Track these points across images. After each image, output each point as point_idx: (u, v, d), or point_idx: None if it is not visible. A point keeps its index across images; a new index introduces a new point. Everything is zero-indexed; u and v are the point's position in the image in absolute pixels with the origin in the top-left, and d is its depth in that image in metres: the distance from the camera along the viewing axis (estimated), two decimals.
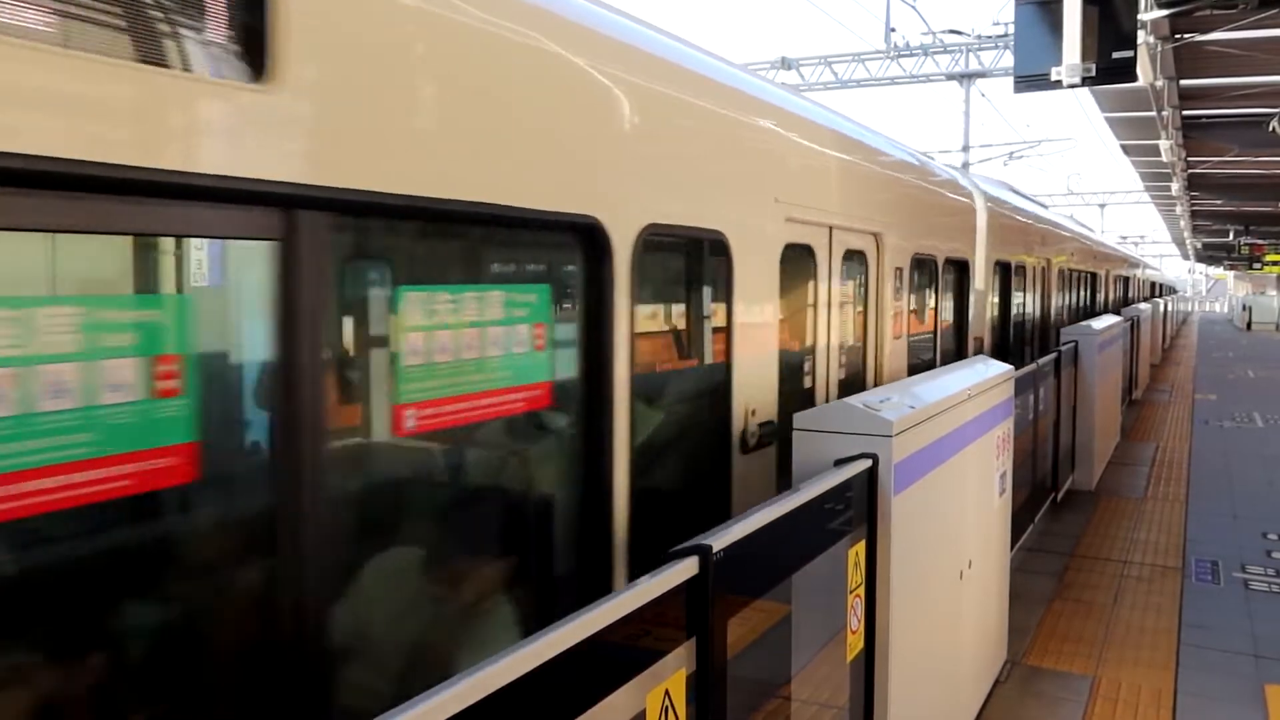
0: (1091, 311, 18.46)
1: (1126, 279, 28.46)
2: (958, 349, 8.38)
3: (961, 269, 8.28)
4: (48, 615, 2.07)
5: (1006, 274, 10.49)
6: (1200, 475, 11.01)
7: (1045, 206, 17.16)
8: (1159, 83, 11.32)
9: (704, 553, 2.33)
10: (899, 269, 6.33)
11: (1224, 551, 7.95)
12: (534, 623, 2.59)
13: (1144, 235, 68.64)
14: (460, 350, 2.74)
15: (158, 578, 2.25)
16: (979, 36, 22.46)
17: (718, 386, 4.16)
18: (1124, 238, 62.36)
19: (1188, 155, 17.36)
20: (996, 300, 10.08)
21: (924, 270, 7.09)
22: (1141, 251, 59.12)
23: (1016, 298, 11.06)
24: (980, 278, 8.96)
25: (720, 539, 2.42)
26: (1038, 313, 12.81)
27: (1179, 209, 30.53)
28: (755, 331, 4.34)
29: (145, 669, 2.20)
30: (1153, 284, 42.56)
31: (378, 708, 1.57)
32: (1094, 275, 19.48)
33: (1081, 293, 17.73)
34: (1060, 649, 5.92)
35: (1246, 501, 9.72)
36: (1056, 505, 9.28)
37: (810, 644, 3.35)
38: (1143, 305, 20.95)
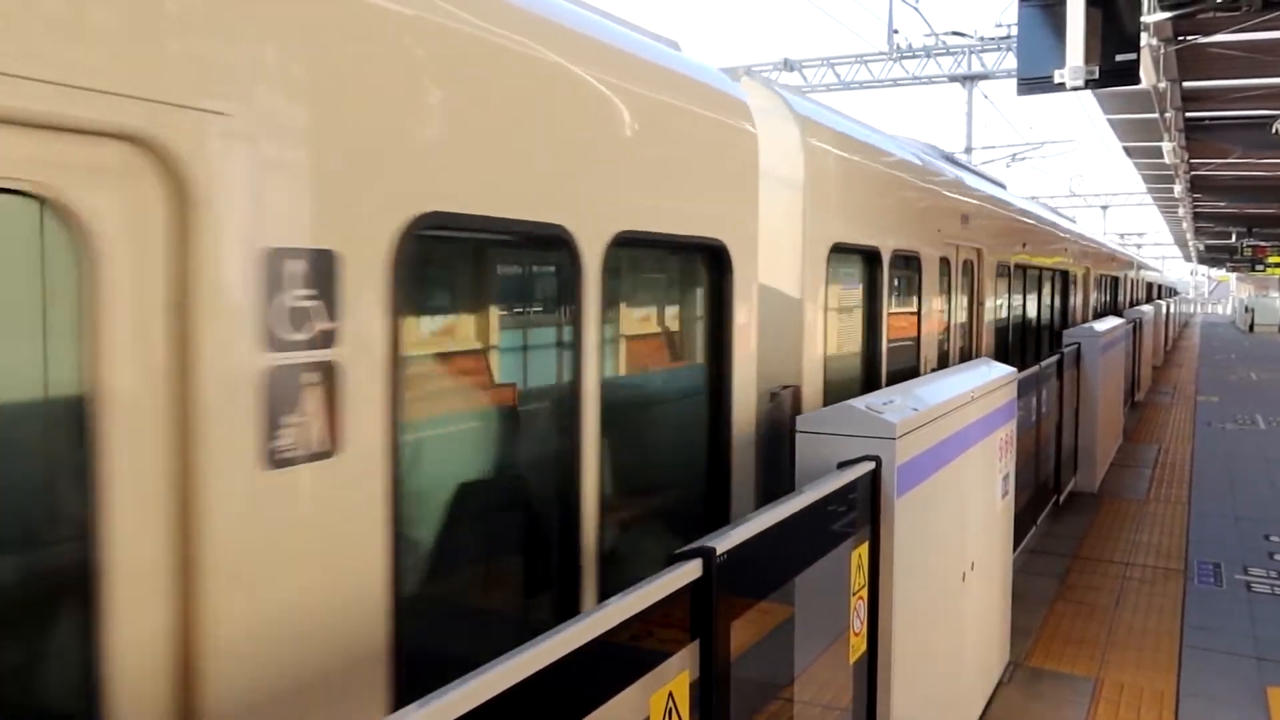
0: (1056, 327, 13.35)
1: (1115, 280, 22.51)
2: (707, 456, 4.03)
3: (713, 259, 4.05)
4: None
5: (871, 269, 6.24)
6: (1202, 477, 11.01)
7: (1003, 186, 12.25)
8: (1162, 85, 11.32)
9: (708, 555, 2.34)
10: (262, 257, 2.06)
11: (1226, 554, 7.94)
12: None
13: (1144, 232, 67.23)
14: None
15: None
16: (982, 38, 22.48)
17: None
18: (1123, 235, 61.22)
19: (1190, 157, 17.33)
20: (848, 315, 5.98)
21: (479, 262, 3.06)
22: (1143, 253, 57.37)
23: (900, 308, 6.75)
24: (786, 274, 5.19)
25: (724, 541, 2.43)
26: (953, 330, 8.23)
27: (1181, 211, 30.50)
28: None
29: None
30: (1149, 285, 36.77)
31: None
32: (1065, 275, 14.33)
33: (1041, 300, 12.49)
34: (1063, 650, 5.92)
35: (1249, 504, 9.71)
36: (1059, 507, 9.28)
37: (813, 646, 3.36)
38: (1144, 308, 20.52)
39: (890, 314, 6.47)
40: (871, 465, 3.48)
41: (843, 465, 3.45)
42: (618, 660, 2.09)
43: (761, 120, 4.47)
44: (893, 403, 3.84)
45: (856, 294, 6.17)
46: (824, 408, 3.78)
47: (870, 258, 6.21)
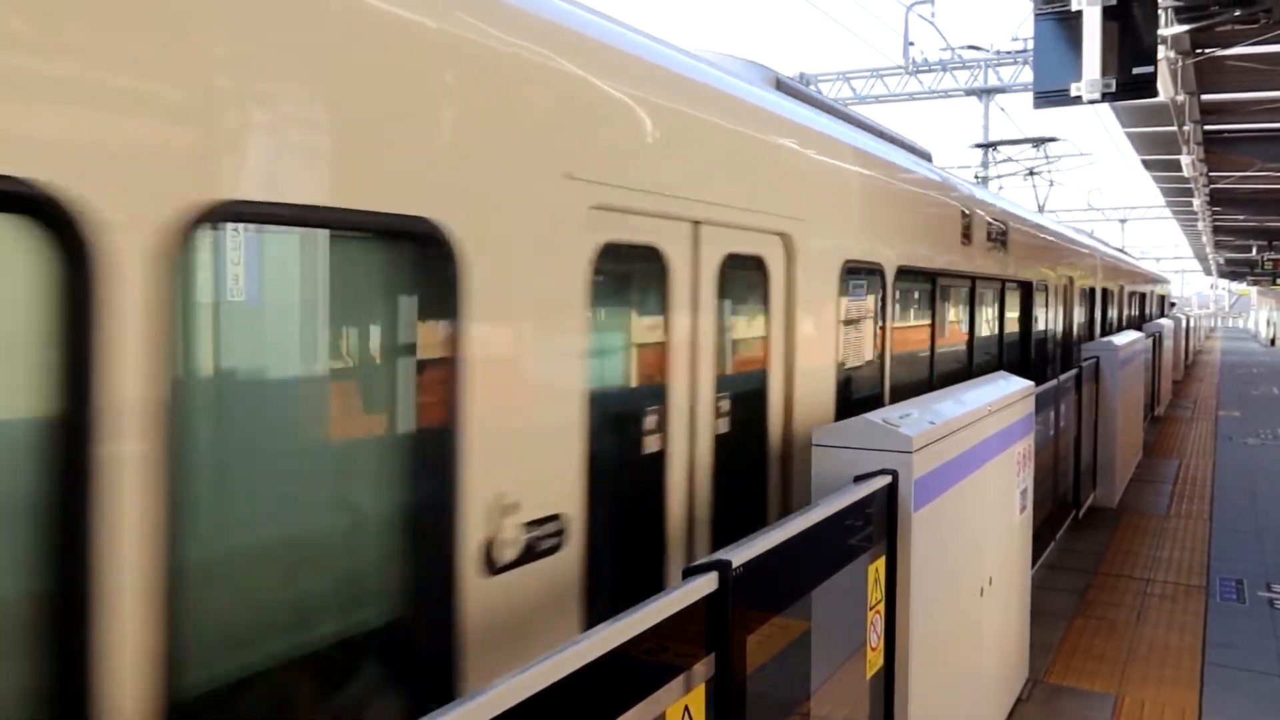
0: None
1: (1065, 290, 12.40)
2: None
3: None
4: None
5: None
6: (1224, 493, 10.90)
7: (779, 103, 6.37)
8: (1180, 98, 11.27)
9: (724, 568, 2.33)
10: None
11: (1249, 570, 7.85)
12: None
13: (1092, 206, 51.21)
14: None
15: None
16: (998, 52, 22.48)
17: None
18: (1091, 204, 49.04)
19: (1209, 170, 17.23)
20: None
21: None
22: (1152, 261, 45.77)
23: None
24: None
25: (740, 554, 2.42)
26: None
27: (1201, 224, 30.31)
28: None
29: None
30: (1141, 296, 23.64)
31: None
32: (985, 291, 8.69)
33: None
34: (1083, 667, 5.86)
35: (1271, 519, 9.61)
36: (1078, 522, 9.21)
37: (830, 660, 3.34)
38: (1162, 321, 19.97)
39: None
40: (888, 479, 3.46)
41: (859, 479, 3.43)
42: (634, 673, 2.09)
43: None
44: (910, 416, 3.82)
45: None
46: (841, 420, 3.77)
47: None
